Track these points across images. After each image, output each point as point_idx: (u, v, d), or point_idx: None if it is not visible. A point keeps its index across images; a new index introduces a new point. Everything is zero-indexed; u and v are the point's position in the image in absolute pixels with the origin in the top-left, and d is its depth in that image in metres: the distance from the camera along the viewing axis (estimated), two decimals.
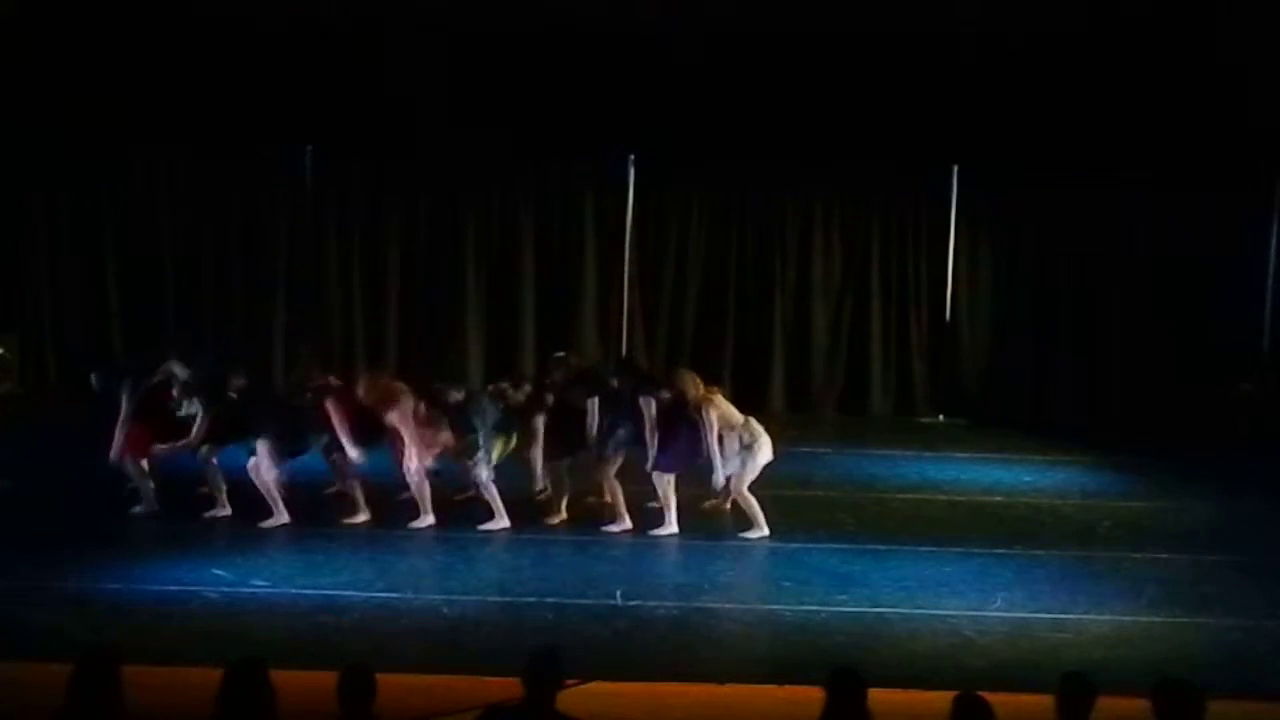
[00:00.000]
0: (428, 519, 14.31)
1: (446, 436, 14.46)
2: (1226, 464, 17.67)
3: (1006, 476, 17.20)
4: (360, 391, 14.45)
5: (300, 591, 12.16)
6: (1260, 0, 18.41)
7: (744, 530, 14.19)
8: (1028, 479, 17.13)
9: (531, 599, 12.12)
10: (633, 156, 20.26)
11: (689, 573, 13.28)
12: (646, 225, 20.63)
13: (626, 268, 20.56)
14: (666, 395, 14.18)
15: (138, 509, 14.33)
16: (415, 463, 14.21)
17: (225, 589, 12.19)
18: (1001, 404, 20.45)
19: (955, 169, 20.58)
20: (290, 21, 18.83)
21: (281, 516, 14.12)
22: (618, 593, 12.31)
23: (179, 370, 14.51)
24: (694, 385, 14.23)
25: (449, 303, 20.34)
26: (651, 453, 14.10)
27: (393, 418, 14.19)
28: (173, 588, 12.14)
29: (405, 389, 14.48)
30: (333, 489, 14.86)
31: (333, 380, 14.86)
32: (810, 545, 13.94)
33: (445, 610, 11.87)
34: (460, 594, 12.22)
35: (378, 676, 6.96)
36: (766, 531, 14.15)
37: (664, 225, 20.68)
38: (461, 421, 14.42)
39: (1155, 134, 19.27)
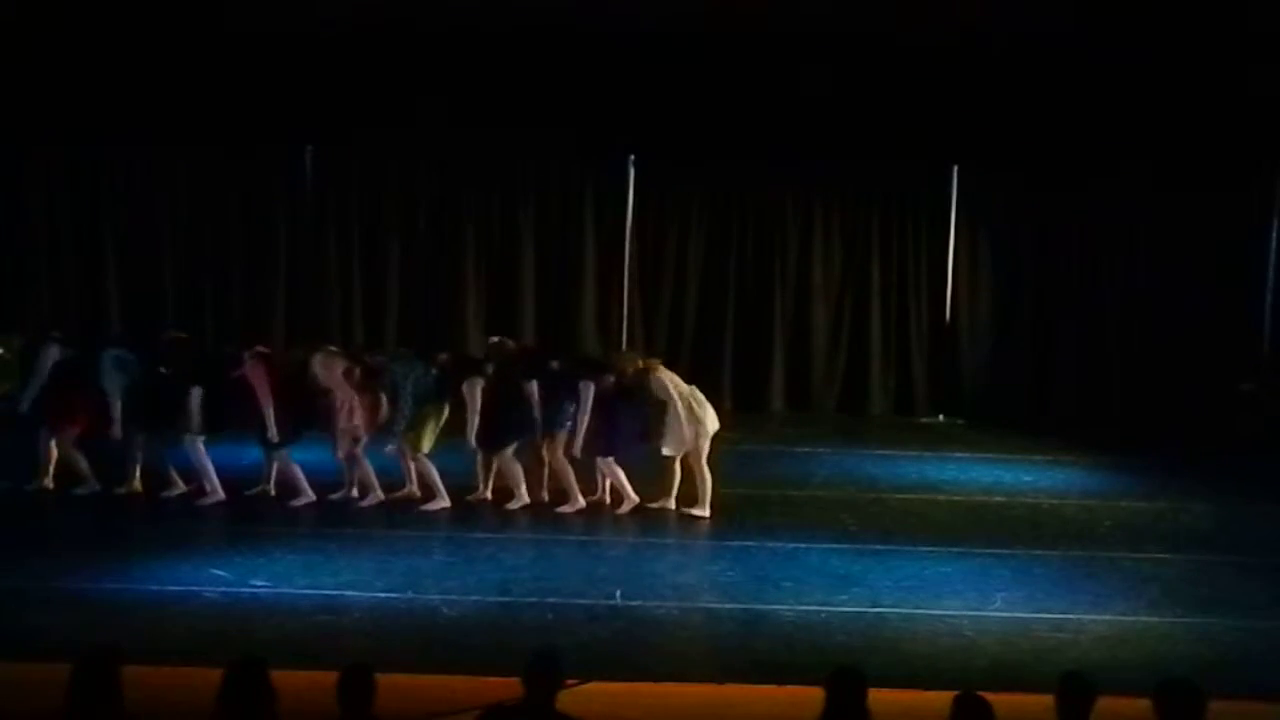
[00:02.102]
0: (376, 496, 14.71)
1: (384, 414, 14.62)
2: (1227, 464, 17.67)
3: (1006, 476, 17.20)
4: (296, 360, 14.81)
5: (300, 592, 12.16)
6: None
7: (689, 506, 14.50)
8: (1027, 479, 17.14)
9: (531, 599, 12.12)
10: (633, 156, 20.26)
11: (688, 572, 13.30)
12: (646, 225, 20.64)
13: (627, 267, 20.56)
14: (610, 378, 14.33)
15: (80, 490, 14.69)
16: (346, 444, 14.60)
17: (225, 589, 12.19)
18: (1001, 404, 20.46)
19: (955, 168, 20.59)
20: (291, 22, 18.81)
21: (216, 494, 14.52)
22: (617, 593, 12.31)
23: (56, 352, 14.81)
24: (632, 363, 14.40)
25: (449, 303, 20.33)
26: (580, 439, 14.40)
27: (329, 381, 14.48)
28: (172, 587, 12.14)
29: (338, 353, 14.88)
30: (401, 492, 15.00)
31: (259, 349, 15.06)
32: (810, 545, 13.94)
33: (445, 610, 11.87)
34: (460, 594, 12.22)
35: (378, 677, 6.95)
36: (708, 513, 14.38)
37: (664, 225, 20.70)
38: (391, 392, 14.72)
39: (1155, 133, 19.27)
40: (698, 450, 14.57)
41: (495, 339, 15.58)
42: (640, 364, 14.70)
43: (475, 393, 14.61)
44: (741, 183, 20.55)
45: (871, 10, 18.57)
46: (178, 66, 18.89)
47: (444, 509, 14.63)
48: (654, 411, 14.51)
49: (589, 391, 14.37)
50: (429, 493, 14.76)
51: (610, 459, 14.60)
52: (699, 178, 20.44)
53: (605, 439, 14.46)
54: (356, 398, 14.69)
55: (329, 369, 14.70)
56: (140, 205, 20.18)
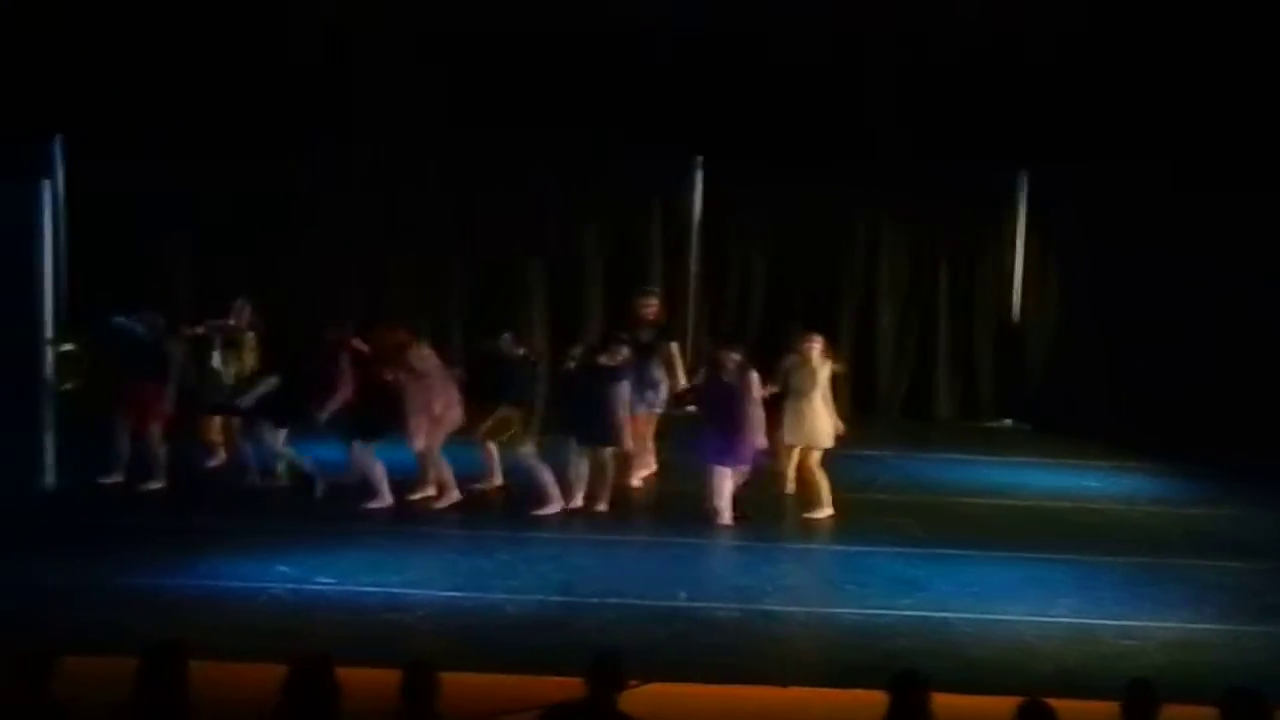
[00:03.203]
0: (453, 495, 14.75)
1: (457, 414, 14.64)
2: None
3: (1072, 482, 17.10)
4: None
5: (365, 589, 12.23)
6: None
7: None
8: (1093, 484, 17.03)
9: (594, 599, 12.14)
10: (700, 159, 20.24)
11: (751, 575, 13.28)
12: (712, 227, 20.58)
13: (692, 270, 20.53)
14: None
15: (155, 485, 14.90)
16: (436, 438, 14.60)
17: (290, 585, 12.27)
18: (1068, 409, 20.28)
19: (1024, 173, 20.47)
20: (359, 17, 18.90)
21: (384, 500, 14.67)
22: (681, 594, 12.31)
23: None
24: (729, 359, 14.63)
25: (514, 307, 20.31)
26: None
27: (427, 372, 14.62)
28: (238, 584, 12.24)
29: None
30: (490, 485, 15.22)
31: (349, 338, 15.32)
32: (874, 549, 13.91)
33: (508, 609, 11.91)
34: (523, 593, 12.26)
35: (441, 675, 6.98)
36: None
37: (730, 228, 20.63)
38: (497, 391, 14.81)
39: (1233, 133, 19.05)
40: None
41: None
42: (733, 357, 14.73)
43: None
44: (808, 186, 20.45)
45: (942, 11, 18.49)
46: (234, 62, 18.98)
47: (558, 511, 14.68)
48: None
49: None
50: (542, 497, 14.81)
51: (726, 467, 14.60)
52: (766, 181, 20.35)
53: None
54: (453, 392, 14.79)
55: (428, 360, 14.77)
56: (209, 201, 20.19)
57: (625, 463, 15.41)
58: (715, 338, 18.15)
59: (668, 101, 19.10)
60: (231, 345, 15.77)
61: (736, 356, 14.74)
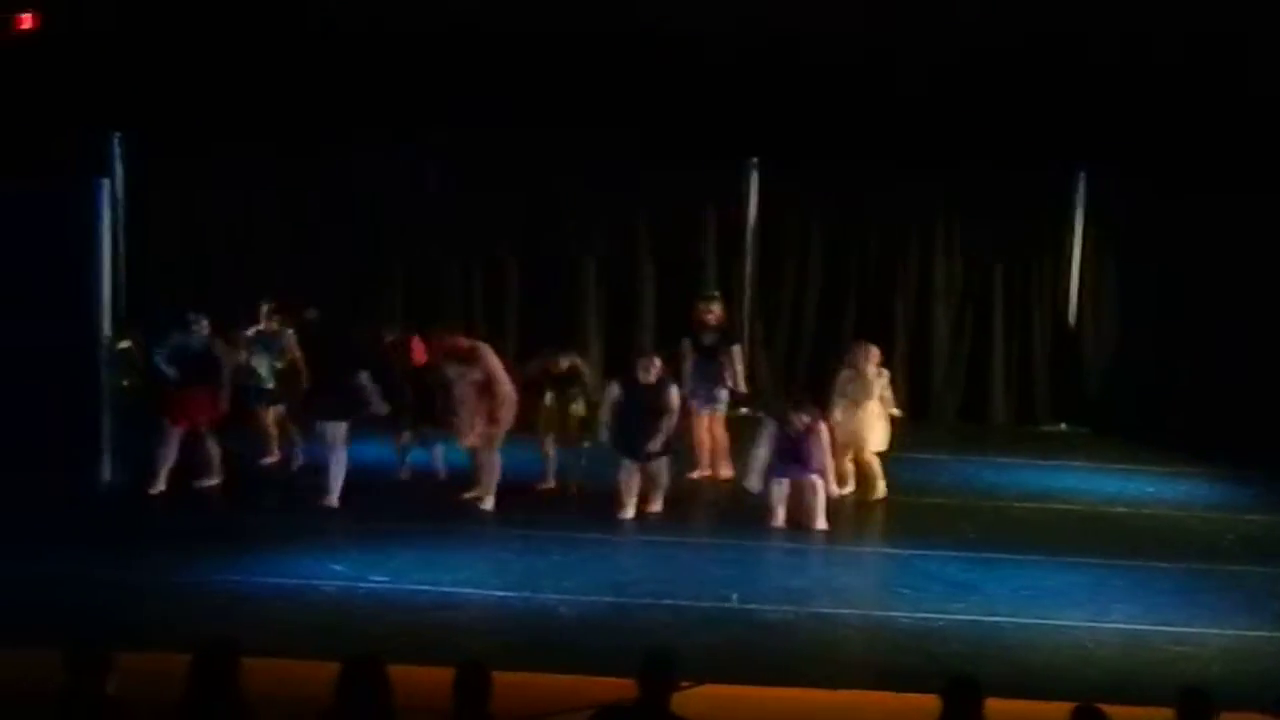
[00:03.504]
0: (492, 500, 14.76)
1: (511, 415, 14.71)
2: None
3: (1128, 487, 16.98)
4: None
5: (417, 588, 12.27)
6: None
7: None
8: (1150, 490, 16.91)
9: (647, 600, 12.15)
10: (755, 160, 20.20)
11: (804, 577, 13.27)
12: (767, 229, 20.53)
13: (748, 272, 20.48)
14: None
15: (211, 481, 14.99)
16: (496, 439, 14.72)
17: (343, 584, 12.32)
18: (1125, 413, 20.14)
19: (1082, 173, 20.35)
20: (422, 18, 18.96)
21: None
22: (733, 596, 12.31)
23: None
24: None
25: (569, 308, 20.33)
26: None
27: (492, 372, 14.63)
28: (291, 581, 12.30)
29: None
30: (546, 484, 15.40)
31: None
32: (927, 552, 13.86)
33: (561, 610, 11.92)
34: (576, 594, 12.27)
35: (493, 674, 6.99)
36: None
37: (785, 229, 20.57)
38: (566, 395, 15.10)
39: None
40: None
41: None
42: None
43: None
44: (864, 187, 20.39)
45: (999, 10, 18.40)
46: (302, 62, 19.05)
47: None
48: None
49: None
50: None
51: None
52: (821, 181, 20.30)
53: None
54: (514, 393, 14.88)
55: (491, 360, 14.86)
56: (262, 202, 20.29)
57: (717, 458, 15.85)
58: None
59: (723, 102, 19.08)
60: (269, 346, 15.86)
61: (658, 362, 14.96)
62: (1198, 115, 18.89)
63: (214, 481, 15.09)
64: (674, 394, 14.72)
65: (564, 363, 15.46)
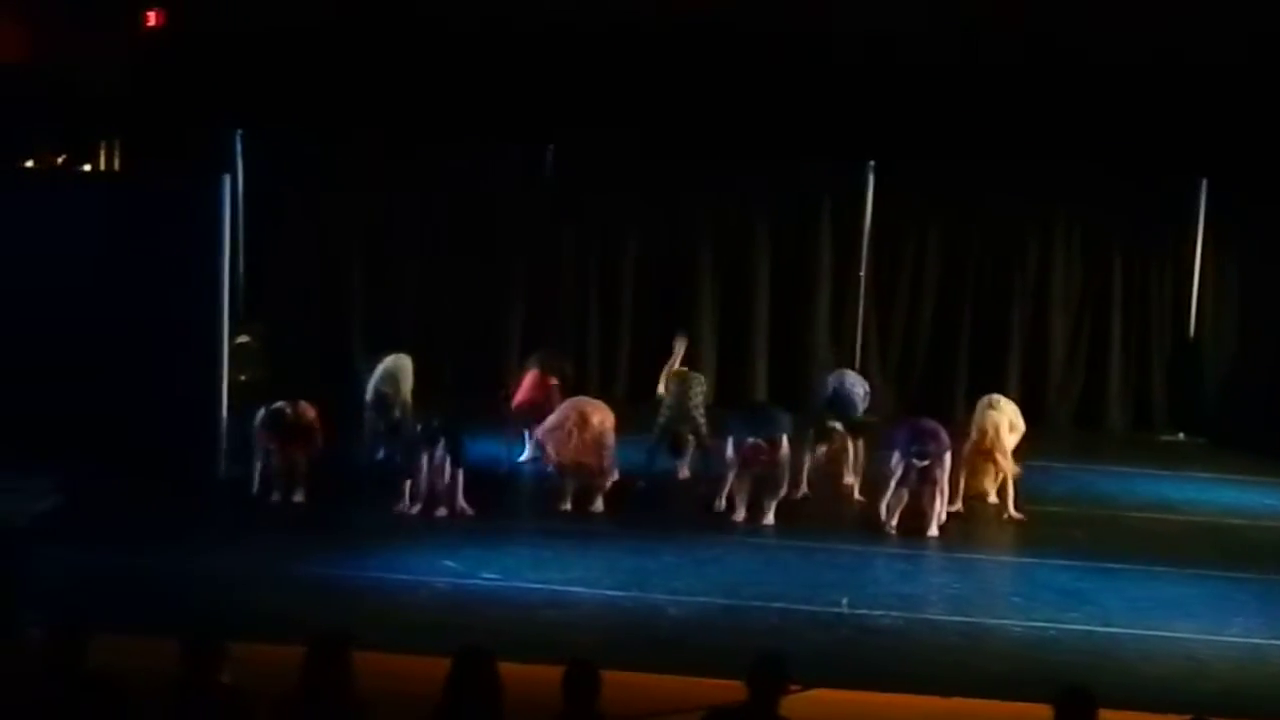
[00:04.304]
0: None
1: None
2: None
3: (1247, 498, 16.74)
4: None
5: (529, 586, 12.32)
6: None
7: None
8: (1269, 501, 16.64)
9: (757, 603, 12.13)
10: (872, 162, 20.10)
11: (915, 583, 13.20)
12: (883, 232, 20.41)
13: (863, 275, 20.38)
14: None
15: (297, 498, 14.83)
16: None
17: (455, 580, 12.40)
18: (1246, 423, 19.84)
19: (1204, 181, 20.08)
20: (537, 19, 19.05)
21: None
22: (844, 600, 12.26)
23: None
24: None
25: (683, 308, 20.33)
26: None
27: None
28: (404, 576, 12.39)
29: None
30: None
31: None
32: (1041, 560, 13.75)
33: (671, 610, 11.93)
34: (686, 595, 12.28)
35: (602, 674, 7.00)
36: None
37: (901, 232, 20.46)
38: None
39: None
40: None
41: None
42: None
43: None
44: (982, 191, 20.24)
45: (1125, 13, 18.22)
46: (422, 63, 19.20)
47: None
48: None
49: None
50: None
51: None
52: (939, 184, 20.18)
53: None
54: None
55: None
56: (384, 203, 20.45)
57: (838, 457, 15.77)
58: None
59: (842, 103, 19.02)
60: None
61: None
62: None
63: (301, 499, 14.69)
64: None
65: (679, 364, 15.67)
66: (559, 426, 14.61)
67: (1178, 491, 16.89)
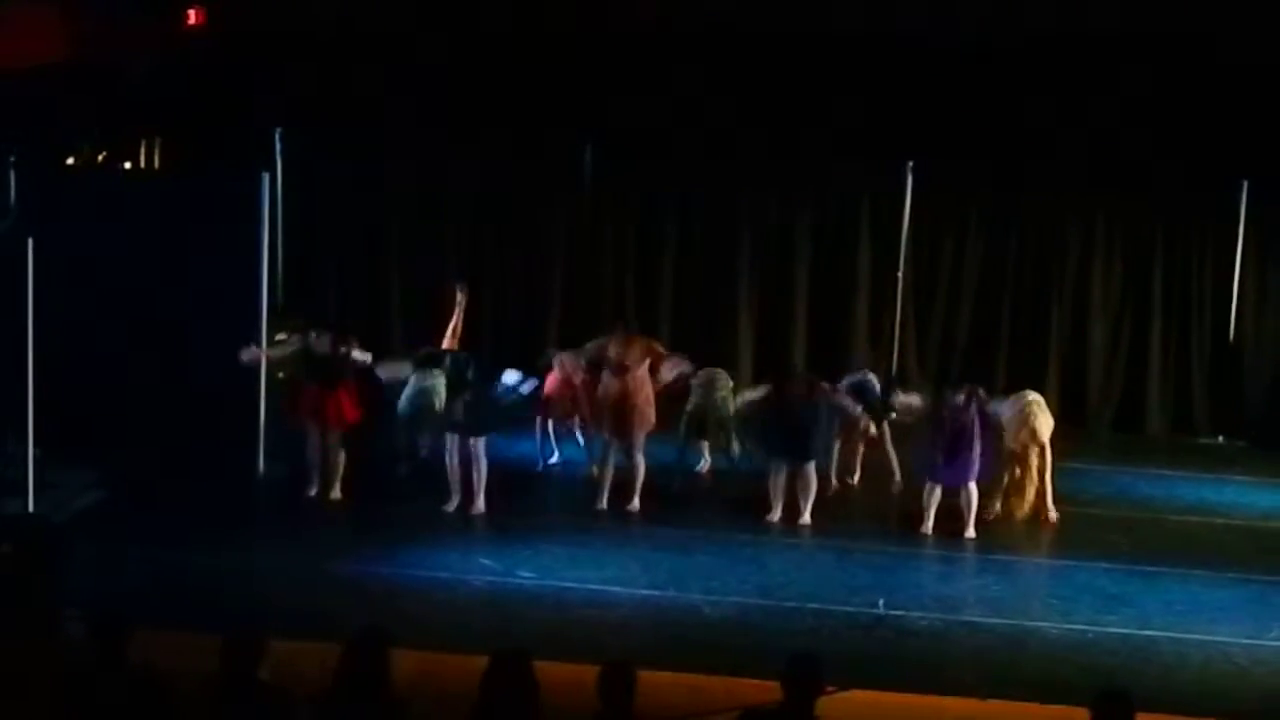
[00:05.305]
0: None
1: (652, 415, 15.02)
2: None
3: None
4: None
5: (565, 585, 12.34)
6: None
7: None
8: None
9: (793, 604, 12.13)
10: (911, 163, 20.05)
11: (953, 585, 13.18)
12: (923, 234, 20.35)
13: (901, 274, 20.32)
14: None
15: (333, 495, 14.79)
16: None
17: (492, 578, 12.43)
18: None
19: (1245, 184, 19.96)
20: (579, 21, 19.07)
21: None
22: (880, 601, 12.25)
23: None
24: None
25: (721, 308, 20.31)
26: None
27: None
28: (441, 575, 12.42)
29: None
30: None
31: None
32: (1080, 563, 13.71)
33: (706, 610, 11.93)
34: (722, 595, 12.28)
35: (638, 673, 7.00)
36: None
37: (940, 234, 20.39)
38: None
39: None
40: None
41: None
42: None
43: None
44: (1021, 193, 20.17)
45: (1168, 12, 18.15)
46: (456, 62, 19.25)
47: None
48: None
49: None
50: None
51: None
52: (978, 185, 20.10)
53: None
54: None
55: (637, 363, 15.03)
56: (420, 204, 20.48)
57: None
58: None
59: (882, 105, 18.99)
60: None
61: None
62: None
63: (336, 495, 14.70)
64: (824, 401, 14.80)
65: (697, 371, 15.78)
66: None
67: (1218, 495, 16.81)
